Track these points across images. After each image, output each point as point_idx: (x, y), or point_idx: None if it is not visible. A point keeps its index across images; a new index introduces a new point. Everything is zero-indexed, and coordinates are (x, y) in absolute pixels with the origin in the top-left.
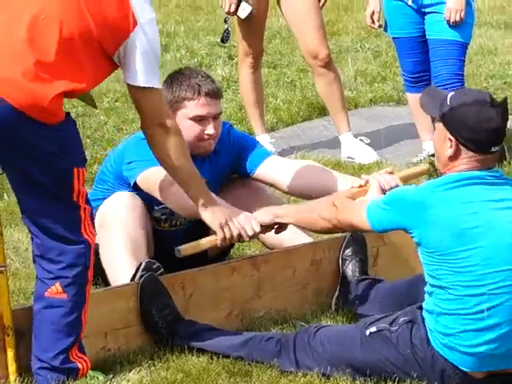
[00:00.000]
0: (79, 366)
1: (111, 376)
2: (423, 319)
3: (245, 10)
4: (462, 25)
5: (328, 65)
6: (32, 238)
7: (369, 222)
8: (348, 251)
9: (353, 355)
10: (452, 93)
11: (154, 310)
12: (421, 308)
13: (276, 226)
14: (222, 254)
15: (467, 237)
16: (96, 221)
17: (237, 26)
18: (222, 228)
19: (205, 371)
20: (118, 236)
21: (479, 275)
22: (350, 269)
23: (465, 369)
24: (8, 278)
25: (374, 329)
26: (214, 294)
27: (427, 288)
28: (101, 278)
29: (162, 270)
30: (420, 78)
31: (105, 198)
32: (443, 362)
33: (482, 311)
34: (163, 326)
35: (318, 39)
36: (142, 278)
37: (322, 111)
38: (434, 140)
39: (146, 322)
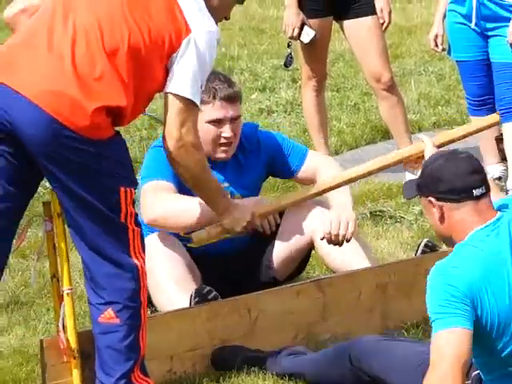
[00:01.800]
0: None
1: None
2: None
3: (308, 35)
4: None
5: (391, 88)
6: (82, 259)
7: (468, 328)
8: None
9: None
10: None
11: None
12: None
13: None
14: (288, 277)
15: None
16: None
17: (300, 51)
18: (245, 229)
19: None
20: (162, 279)
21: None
22: None
23: None
24: (74, 301)
25: None
26: (279, 317)
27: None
28: None
29: (215, 293)
30: (484, 101)
31: None
32: None
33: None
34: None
35: (381, 63)
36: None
37: (386, 134)
38: (429, 219)
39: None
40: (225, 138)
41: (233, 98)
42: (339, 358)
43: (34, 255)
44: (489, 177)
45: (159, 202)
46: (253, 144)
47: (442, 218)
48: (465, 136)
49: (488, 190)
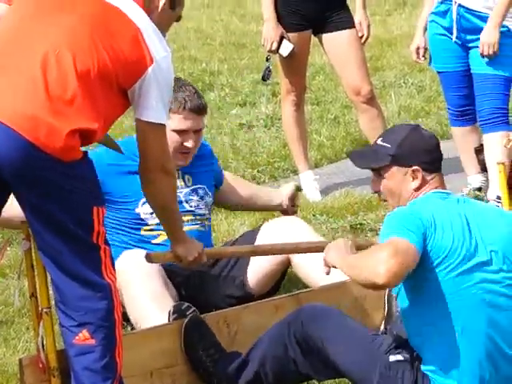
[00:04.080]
0: None
1: None
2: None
3: (287, 48)
4: (505, 59)
5: (371, 101)
6: (51, 280)
7: (413, 243)
8: None
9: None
10: (379, 138)
11: (201, 349)
12: None
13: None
14: (266, 294)
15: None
16: None
17: (279, 64)
18: (192, 262)
19: None
20: (139, 296)
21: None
22: (394, 305)
23: None
24: (53, 319)
25: (399, 357)
26: (258, 331)
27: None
28: None
29: (194, 308)
30: (465, 111)
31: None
32: None
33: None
34: (210, 364)
35: (360, 76)
36: (187, 319)
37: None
38: (389, 188)
39: (193, 361)
40: (186, 147)
41: (201, 110)
42: (280, 329)
43: (15, 274)
44: (469, 187)
45: None
46: (210, 154)
47: (418, 188)
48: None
49: None
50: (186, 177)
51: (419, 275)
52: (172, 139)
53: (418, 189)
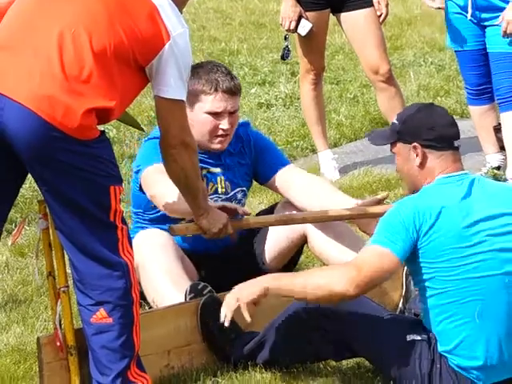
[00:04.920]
0: None
1: None
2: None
3: (305, 28)
4: None
5: (389, 80)
6: (69, 260)
7: (396, 253)
8: None
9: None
10: (395, 116)
11: (217, 329)
12: None
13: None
14: (282, 270)
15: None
16: None
17: (297, 43)
18: (216, 233)
19: None
20: (156, 275)
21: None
22: (412, 284)
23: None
24: (70, 298)
25: (417, 337)
26: (274, 310)
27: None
28: None
29: (210, 288)
30: (483, 90)
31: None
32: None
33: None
34: (226, 343)
35: (379, 55)
36: (203, 299)
37: (385, 126)
38: (398, 165)
39: (209, 341)
40: (222, 130)
41: (234, 91)
42: (296, 309)
43: (33, 253)
44: (488, 166)
45: (162, 181)
46: (245, 139)
47: (421, 165)
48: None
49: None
50: (226, 183)
51: (427, 270)
52: (206, 122)
53: (422, 166)
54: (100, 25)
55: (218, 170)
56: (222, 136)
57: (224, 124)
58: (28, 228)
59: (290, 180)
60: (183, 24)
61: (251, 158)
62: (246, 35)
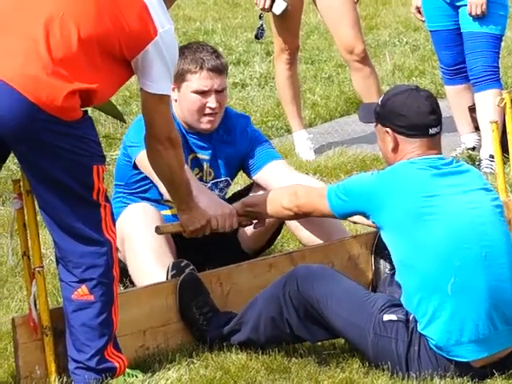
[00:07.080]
0: (116, 364)
1: (150, 374)
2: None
3: (279, 6)
4: (495, 17)
5: (364, 60)
6: (53, 239)
7: (330, 207)
8: (380, 245)
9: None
10: (383, 95)
11: (194, 307)
12: None
13: (255, 221)
14: (259, 251)
15: (425, 218)
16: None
17: (272, 23)
18: (192, 232)
19: (244, 368)
20: (140, 249)
21: (442, 253)
22: (382, 263)
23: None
24: (45, 278)
25: (393, 317)
26: (252, 290)
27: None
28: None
29: (192, 266)
30: (458, 70)
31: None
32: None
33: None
34: (203, 323)
35: (354, 34)
36: (182, 276)
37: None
38: (379, 145)
39: (186, 319)
40: (210, 108)
41: (220, 69)
42: (274, 290)
43: (8, 233)
44: (462, 147)
45: None
46: (244, 135)
47: (395, 149)
48: None
49: (441, 127)
50: (210, 171)
51: (395, 242)
52: (194, 101)
53: (394, 151)
54: (89, 13)
55: (205, 156)
56: (210, 115)
57: (211, 102)
58: (2, 208)
59: (275, 177)
60: (169, 20)
61: (245, 150)
62: (220, 14)
